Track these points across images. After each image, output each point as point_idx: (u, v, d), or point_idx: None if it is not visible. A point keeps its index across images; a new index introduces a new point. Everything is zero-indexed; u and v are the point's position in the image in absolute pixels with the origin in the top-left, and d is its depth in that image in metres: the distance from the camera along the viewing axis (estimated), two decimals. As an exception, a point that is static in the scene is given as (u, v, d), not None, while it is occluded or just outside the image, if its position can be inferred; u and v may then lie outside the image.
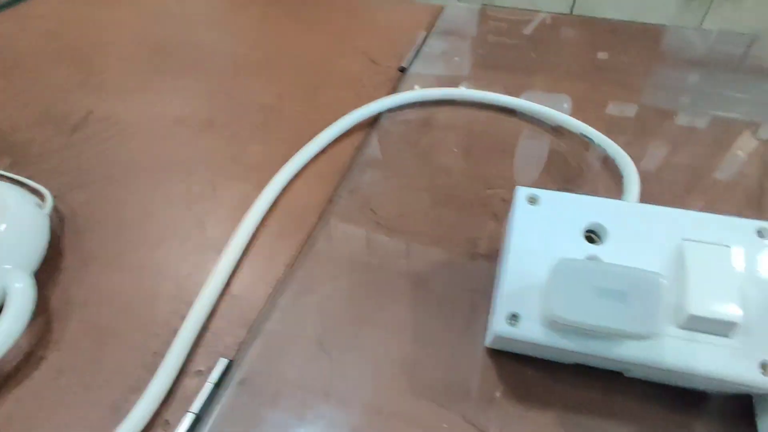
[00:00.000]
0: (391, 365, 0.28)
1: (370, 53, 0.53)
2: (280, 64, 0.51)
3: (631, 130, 0.42)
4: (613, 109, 0.44)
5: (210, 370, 0.28)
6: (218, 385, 0.27)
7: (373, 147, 0.41)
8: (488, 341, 0.27)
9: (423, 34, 0.55)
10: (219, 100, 0.47)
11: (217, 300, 0.31)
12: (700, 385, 0.25)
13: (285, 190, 0.38)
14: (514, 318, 0.23)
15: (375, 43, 0.54)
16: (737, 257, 0.24)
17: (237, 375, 0.28)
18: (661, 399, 0.26)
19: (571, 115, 0.41)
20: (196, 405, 0.26)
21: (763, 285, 0.23)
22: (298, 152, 0.39)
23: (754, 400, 0.25)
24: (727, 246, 0.24)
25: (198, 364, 0.28)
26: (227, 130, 0.43)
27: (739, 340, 0.22)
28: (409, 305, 0.30)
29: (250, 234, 0.34)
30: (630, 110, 0.44)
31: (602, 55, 0.51)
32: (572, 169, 0.39)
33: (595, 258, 0.24)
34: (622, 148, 0.38)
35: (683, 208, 0.25)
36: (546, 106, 0.43)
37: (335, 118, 0.42)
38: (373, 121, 0.44)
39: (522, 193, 0.26)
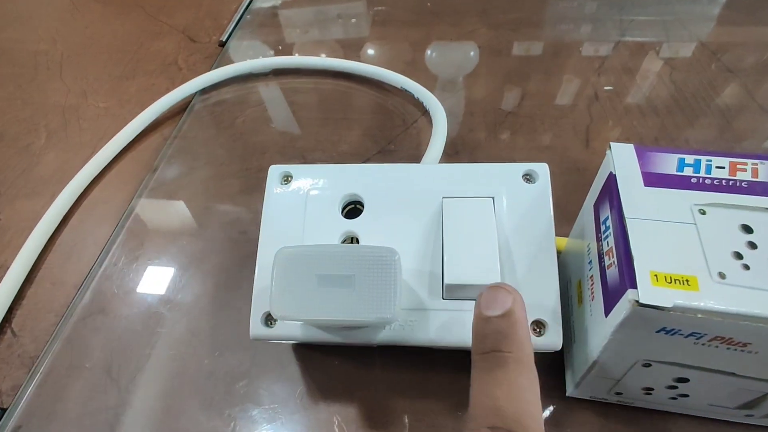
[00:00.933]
0: (182, 384, 0.25)
1: (189, 30, 0.48)
2: (87, 56, 0.46)
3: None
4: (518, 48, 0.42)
5: (-19, 424, 0.25)
6: (-12, 441, 0.24)
7: (183, 135, 0.38)
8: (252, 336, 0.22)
9: (246, 0, 0.50)
10: (13, 109, 0.41)
11: (-9, 342, 0.27)
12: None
13: (81, 199, 0.34)
14: (270, 317, 0.21)
15: (194, 18, 0.49)
16: (501, 209, 0.21)
17: (11, 424, 0.25)
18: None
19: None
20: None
21: (527, 236, 0.21)
22: (94, 156, 0.35)
23: (564, 355, 0.24)
24: (490, 197, 0.22)
25: (-31, 420, 0.25)
26: (19, 143, 0.38)
27: (507, 299, 0.20)
28: (210, 312, 0.28)
29: (33, 259, 0.30)
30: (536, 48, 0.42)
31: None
32: (396, 128, 0.37)
33: (353, 236, 0.22)
34: (434, 97, 0.36)
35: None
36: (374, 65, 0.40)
37: (144, 110, 0.38)
38: (186, 107, 0.40)
39: (274, 172, 0.23)
